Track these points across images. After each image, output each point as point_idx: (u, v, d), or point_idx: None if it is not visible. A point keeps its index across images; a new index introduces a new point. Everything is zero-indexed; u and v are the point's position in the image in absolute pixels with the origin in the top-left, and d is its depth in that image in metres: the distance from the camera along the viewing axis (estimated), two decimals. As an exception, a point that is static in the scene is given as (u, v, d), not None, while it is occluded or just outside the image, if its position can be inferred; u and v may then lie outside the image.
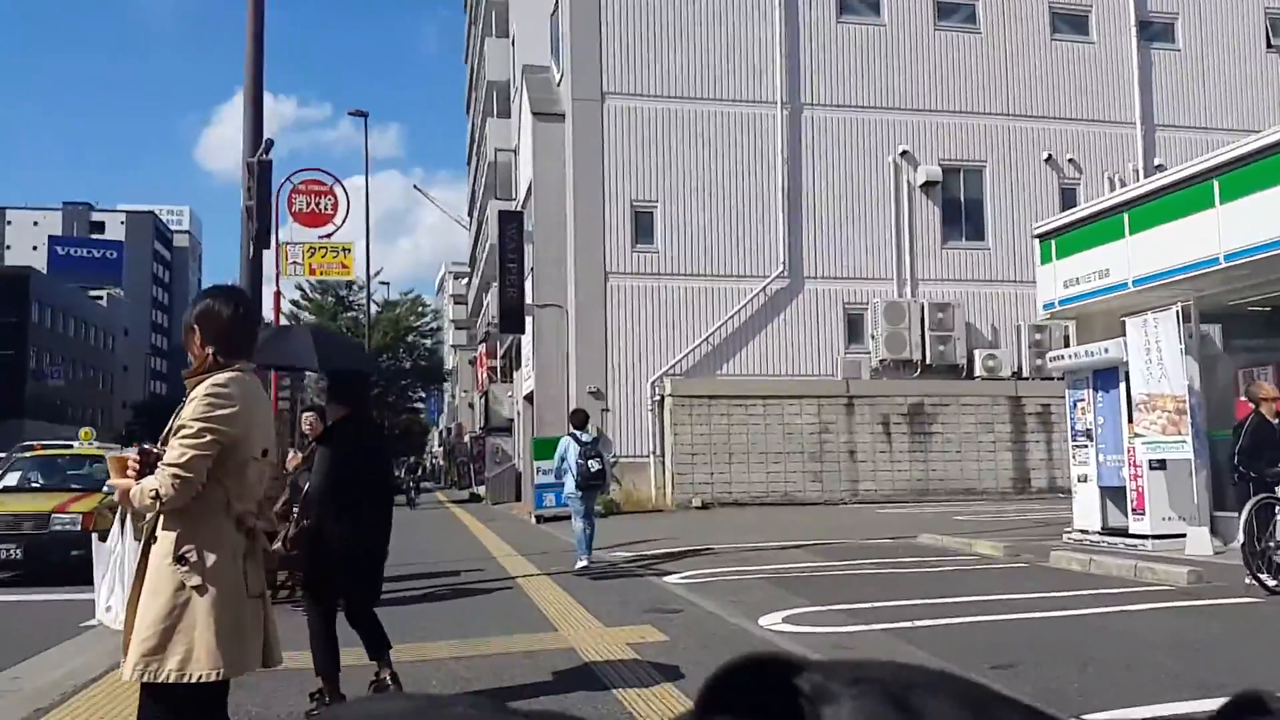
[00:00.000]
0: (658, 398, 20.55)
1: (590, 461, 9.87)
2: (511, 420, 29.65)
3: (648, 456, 20.39)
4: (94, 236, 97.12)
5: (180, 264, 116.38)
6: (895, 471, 20.56)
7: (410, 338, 41.71)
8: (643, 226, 21.47)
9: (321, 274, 11.77)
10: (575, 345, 20.83)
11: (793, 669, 0.41)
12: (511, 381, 29.88)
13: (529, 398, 23.25)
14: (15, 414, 52.93)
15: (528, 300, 22.82)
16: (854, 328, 21.89)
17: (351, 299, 38.50)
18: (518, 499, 23.54)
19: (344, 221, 11.81)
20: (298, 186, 11.66)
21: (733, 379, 20.89)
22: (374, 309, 37.74)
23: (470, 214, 50.72)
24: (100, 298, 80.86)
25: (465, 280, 58.28)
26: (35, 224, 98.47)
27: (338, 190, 11.84)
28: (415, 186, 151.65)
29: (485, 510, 24.04)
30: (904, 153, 22.58)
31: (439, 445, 70.95)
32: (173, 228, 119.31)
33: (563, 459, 10.19)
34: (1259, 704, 0.40)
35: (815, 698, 0.39)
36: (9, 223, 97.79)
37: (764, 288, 21.43)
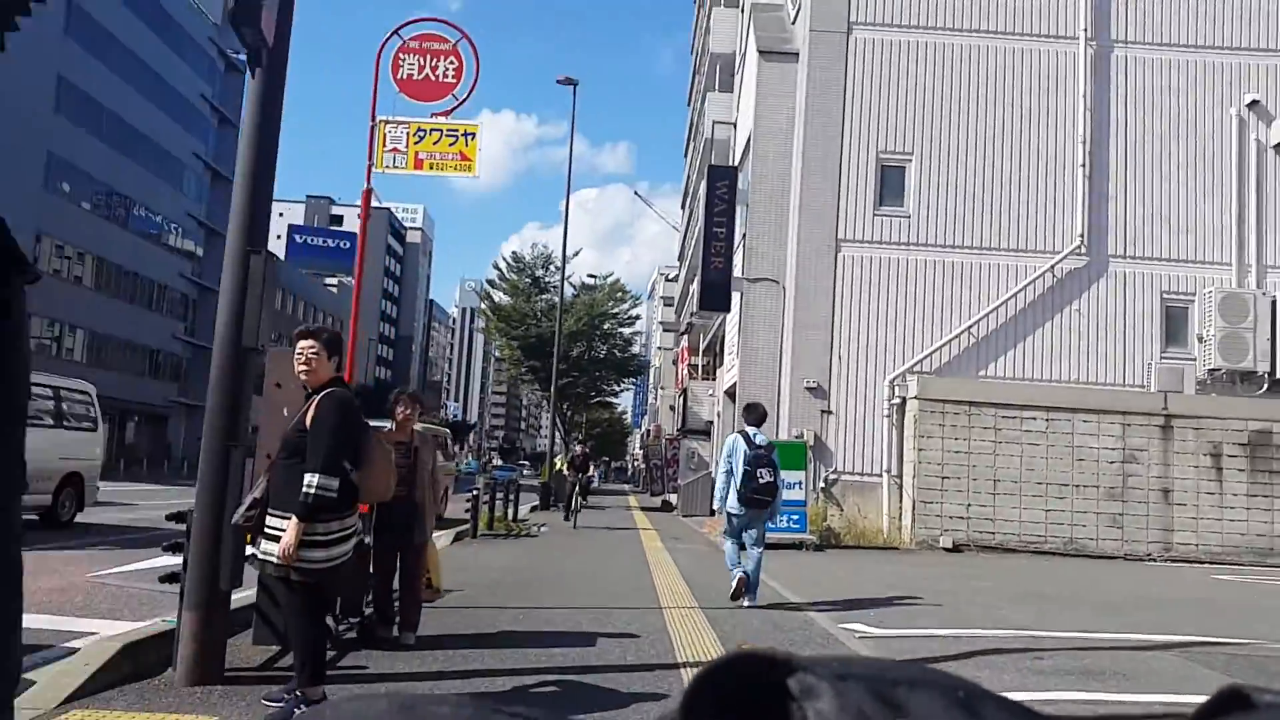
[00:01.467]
0: (897, 400, 15.87)
1: (761, 470, 7.80)
2: (710, 423, 25.94)
3: (880, 476, 15.74)
4: (332, 228, 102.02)
5: (411, 259, 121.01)
6: (1226, 521, 14.83)
7: (607, 325, 38.32)
8: (890, 184, 16.96)
9: (431, 166, 7.85)
10: (792, 330, 16.62)
11: (779, 667, 0.39)
12: (714, 379, 26.06)
13: (730, 393, 19.16)
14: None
15: (735, 274, 18.79)
16: (1174, 325, 16.48)
17: (547, 280, 35.74)
18: (712, 514, 19.50)
19: (468, 95, 7.87)
20: (407, 43, 7.90)
21: (1003, 383, 15.87)
22: (570, 291, 34.62)
23: (683, 207, 47.46)
24: (333, 285, 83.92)
25: (674, 278, 55.14)
26: (280, 214, 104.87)
27: (462, 50, 7.95)
28: (635, 193, 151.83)
29: (673, 524, 20.11)
30: (1253, 103, 16.95)
31: (639, 448, 69.47)
32: (406, 225, 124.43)
33: (729, 460, 7.98)
34: (1243, 699, 0.38)
35: (801, 695, 0.38)
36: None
37: (1052, 266, 16.36)
